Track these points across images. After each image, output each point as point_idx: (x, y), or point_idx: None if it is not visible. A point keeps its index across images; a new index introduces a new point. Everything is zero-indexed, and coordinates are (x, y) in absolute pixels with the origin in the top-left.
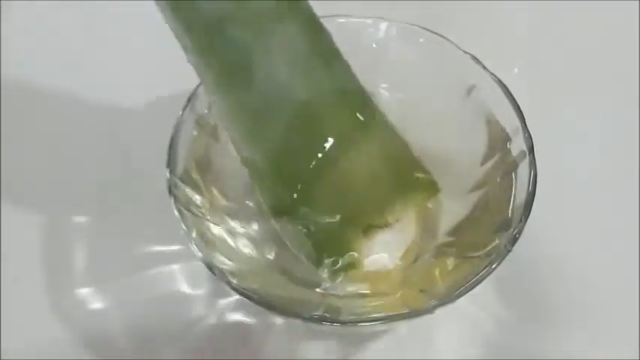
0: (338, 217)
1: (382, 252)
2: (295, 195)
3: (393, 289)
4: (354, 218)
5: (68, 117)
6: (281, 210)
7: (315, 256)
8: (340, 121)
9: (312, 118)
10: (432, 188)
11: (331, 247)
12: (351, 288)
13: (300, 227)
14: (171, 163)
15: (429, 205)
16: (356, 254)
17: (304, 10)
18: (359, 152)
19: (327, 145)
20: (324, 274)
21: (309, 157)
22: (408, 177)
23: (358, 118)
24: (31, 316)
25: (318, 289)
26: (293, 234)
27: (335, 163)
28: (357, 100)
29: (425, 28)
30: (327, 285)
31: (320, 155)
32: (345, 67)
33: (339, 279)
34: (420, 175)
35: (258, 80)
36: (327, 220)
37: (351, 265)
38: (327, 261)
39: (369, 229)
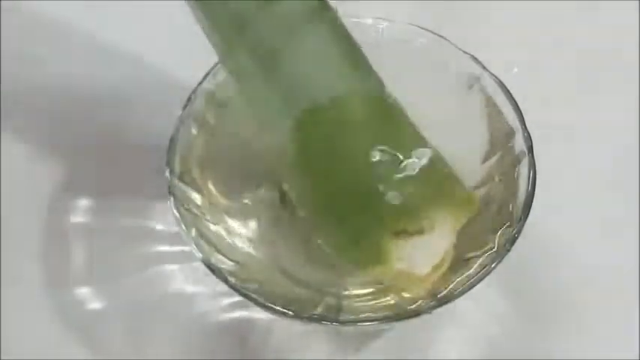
0: (370, 216)
1: (414, 257)
2: (325, 191)
3: (419, 294)
4: (387, 219)
5: (67, 118)
6: (313, 205)
7: (345, 250)
8: (370, 125)
9: (341, 121)
10: (470, 205)
11: (362, 244)
12: (362, 289)
13: (335, 222)
14: (170, 163)
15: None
16: (386, 253)
17: (332, 13)
18: (393, 154)
19: (359, 146)
20: (352, 270)
21: (341, 155)
22: (447, 189)
23: (389, 124)
24: (31, 316)
25: (317, 288)
26: (328, 231)
27: (367, 162)
28: (386, 105)
29: (425, 28)
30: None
31: (354, 154)
32: (372, 72)
33: (366, 275)
34: (459, 190)
35: (283, 76)
36: (360, 220)
37: (379, 263)
38: (356, 256)
39: (402, 233)
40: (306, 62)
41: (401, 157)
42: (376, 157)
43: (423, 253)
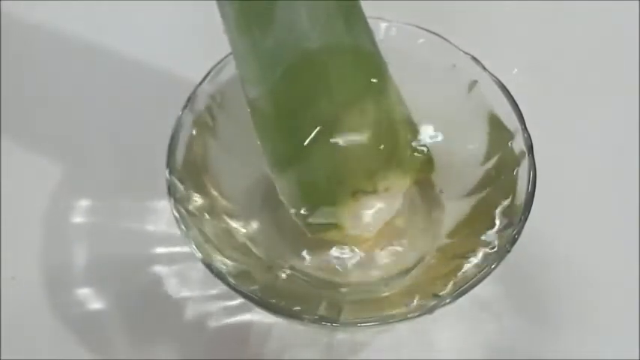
0: (330, 173)
1: (366, 217)
2: (292, 144)
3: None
4: (345, 178)
5: (68, 118)
6: (277, 159)
7: (302, 210)
8: (348, 78)
9: (320, 68)
10: (427, 165)
11: (319, 202)
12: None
13: (293, 179)
14: (170, 163)
15: (437, 192)
16: (341, 213)
17: None
18: (360, 113)
19: (330, 99)
20: (308, 229)
21: (311, 107)
22: (406, 149)
23: (367, 80)
24: (31, 316)
25: (318, 289)
26: (286, 187)
27: (335, 118)
28: (370, 63)
29: (425, 29)
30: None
31: (321, 107)
32: (366, 30)
33: (320, 234)
34: (418, 150)
35: (277, 24)
36: (319, 176)
37: (334, 224)
38: (312, 216)
39: (357, 193)
40: (299, 10)
41: (369, 115)
42: (343, 113)
43: (374, 214)
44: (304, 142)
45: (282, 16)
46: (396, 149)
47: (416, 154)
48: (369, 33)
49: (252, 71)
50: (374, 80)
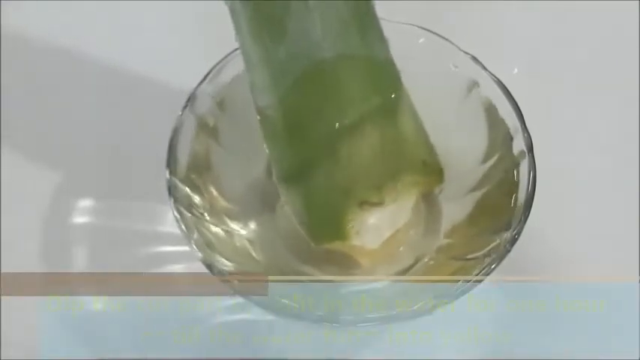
0: (337, 183)
1: (372, 228)
2: (300, 155)
3: (372, 266)
4: (352, 189)
5: (68, 117)
6: (284, 168)
7: (307, 220)
8: (361, 88)
9: (332, 78)
10: (436, 177)
11: (325, 214)
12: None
13: (300, 190)
14: (170, 164)
15: (436, 192)
16: (346, 225)
17: None
18: (372, 123)
19: (342, 110)
20: (312, 238)
21: (321, 118)
22: (415, 161)
23: (380, 91)
24: (31, 316)
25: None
26: (292, 196)
27: (345, 129)
28: (384, 73)
29: (425, 29)
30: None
31: (332, 118)
32: (380, 37)
33: (324, 244)
34: (427, 161)
35: (290, 31)
36: (326, 186)
37: (340, 235)
38: (317, 227)
39: (364, 203)
40: (313, 20)
41: (380, 127)
42: (354, 125)
43: (380, 225)
44: (313, 153)
45: (295, 23)
46: (406, 161)
47: (426, 165)
48: (383, 40)
49: (262, 79)
50: (387, 91)
